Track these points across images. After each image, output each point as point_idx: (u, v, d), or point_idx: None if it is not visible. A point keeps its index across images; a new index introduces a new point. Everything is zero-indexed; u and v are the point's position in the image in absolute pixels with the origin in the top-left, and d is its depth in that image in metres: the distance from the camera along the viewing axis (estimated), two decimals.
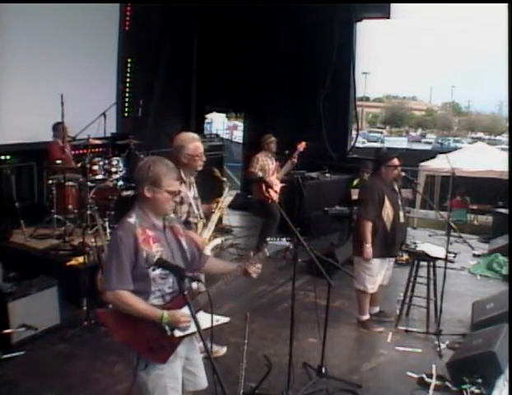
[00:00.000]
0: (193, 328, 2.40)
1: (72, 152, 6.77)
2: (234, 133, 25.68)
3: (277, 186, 6.82)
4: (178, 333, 2.40)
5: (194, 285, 2.53)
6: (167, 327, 2.38)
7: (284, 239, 2.79)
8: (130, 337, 2.41)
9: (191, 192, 3.66)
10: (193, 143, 3.50)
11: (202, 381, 2.66)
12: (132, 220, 2.44)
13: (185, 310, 2.37)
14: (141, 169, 2.52)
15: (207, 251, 3.64)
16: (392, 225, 4.60)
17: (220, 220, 7.34)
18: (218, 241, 3.79)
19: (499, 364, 3.57)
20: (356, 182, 7.79)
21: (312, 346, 4.29)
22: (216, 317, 2.38)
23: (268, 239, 2.78)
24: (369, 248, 4.51)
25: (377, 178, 4.72)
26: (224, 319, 2.51)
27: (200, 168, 3.61)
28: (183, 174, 3.52)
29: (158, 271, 2.40)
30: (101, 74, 8.19)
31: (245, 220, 9.07)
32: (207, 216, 3.80)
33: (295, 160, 6.82)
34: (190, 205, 3.62)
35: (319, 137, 9.67)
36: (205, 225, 3.73)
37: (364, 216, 4.55)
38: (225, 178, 4.18)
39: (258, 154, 6.91)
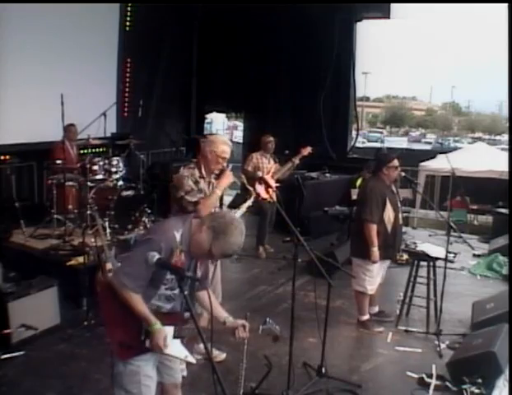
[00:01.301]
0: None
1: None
2: (234, 133, 25.67)
3: (273, 187, 6.82)
4: (148, 344, 2.41)
5: (187, 314, 2.52)
6: (143, 332, 2.38)
7: (278, 327, 3.01)
8: (109, 321, 2.46)
9: (209, 190, 3.72)
10: (223, 146, 3.66)
11: (178, 376, 2.74)
12: (178, 236, 2.37)
13: (170, 330, 2.41)
14: (221, 215, 2.48)
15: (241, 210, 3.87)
16: (392, 227, 4.60)
17: None
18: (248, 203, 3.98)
19: (499, 364, 3.57)
20: (359, 182, 7.77)
21: (312, 346, 4.30)
22: (185, 353, 2.44)
23: (268, 319, 2.99)
24: (376, 251, 4.51)
25: (377, 179, 4.70)
26: (191, 359, 2.52)
27: (217, 171, 3.73)
28: (203, 170, 3.67)
29: (169, 292, 2.42)
30: (101, 74, 8.19)
31: (245, 220, 9.03)
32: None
33: (296, 162, 6.83)
34: None
35: (319, 136, 9.67)
36: None
37: (369, 219, 4.51)
38: (251, 189, 4.25)
39: (253, 153, 7.00)
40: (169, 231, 2.38)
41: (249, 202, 4.23)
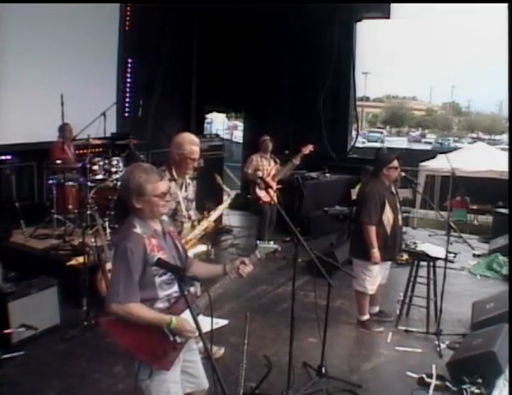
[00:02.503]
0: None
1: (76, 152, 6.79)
2: (234, 133, 25.66)
3: (273, 188, 6.82)
4: (179, 339, 2.41)
5: (192, 289, 2.53)
6: (169, 333, 2.38)
7: (272, 242, 2.84)
8: (134, 346, 2.40)
9: (182, 192, 3.62)
10: (190, 146, 3.45)
11: (204, 382, 2.67)
12: (137, 230, 2.39)
13: (187, 314, 2.37)
14: (123, 182, 2.51)
15: (189, 254, 3.65)
16: (392, 228, 4.60)
17: (220, 220, 7.45)
18: (203, 248, 3.69)
19: (499, 364, 3.57)
20: (358, 186, 7.78)
21: (312, 346, 4.30)
22: (215, 320, 2.38)
23: (258, 242, 2.83)
24: (376, 252, 4.52)
25: (377, 180, 4.68)
26: (223, 322, 2.52)
27: (190, 172, 3.59)
28: (174, 172, 3.54)
29: (165, 277, 2.40)
30: (101, 74, 8.18)
31: (245, 220, 9.07)
32: (199, 220, 3.76)
33: (297, 162, 6.81)
34: (179, 203, 3.59)
35: (319, 137, 9.67)
36: (193, 227, 3.69)
37: (367, 221, 4.51)
38: (228, 189, 4.19)
39: (253, 155, 6.99)
40: (130, 233, 2.39)
41: (226, 204, 4.17)
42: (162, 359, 2.39)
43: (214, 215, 3.88)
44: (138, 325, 2.34)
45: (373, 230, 4.51)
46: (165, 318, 2.36)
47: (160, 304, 2.42)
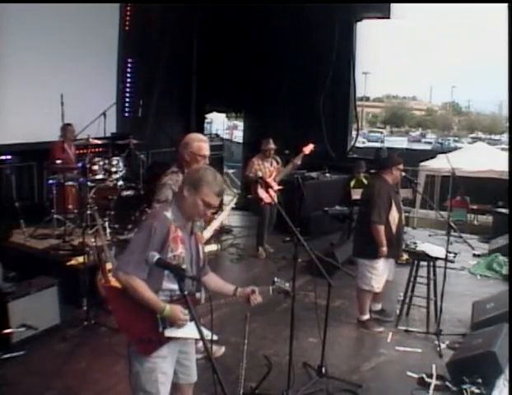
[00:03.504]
0: (183, 333, 2.46)
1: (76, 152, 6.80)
2: (234, 133, 25.67)
3: (274, 188, 6.83)
4: (167, 333, 2.44)
5: (198, 294, 2.55)
6: (160, 323, 2.42)
7: (288, 284, 2.95)
8: (124, 322, 2.47)
9: None
10: (198, 143, 3.46)
11: (194, 375, 2.74)
12: (168, 214, 2.46)
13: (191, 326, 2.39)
14: (191, 170, 2.63)
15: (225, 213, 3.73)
16: (397, 227, 4.63)
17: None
18: (214, 247, 3.75)
19: (499, 364, 3.57)
20: (353, 183, 7.81)
21: (312, 346, 4.30)
22: (206, 332, 2.41)
23: (276, 279, 2.90)
24: (385, 251, 4.56)
25: (383, 179, 4.71)
26: (213, 336, 2.51)
27: None
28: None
29: None
30: (101, 74, 8.18)
31: (245, 220, 9.07)
32: (209, 220, 3.78)
33: (298, 163, 6.79)
34: None
35: (319, 136, 9.67)
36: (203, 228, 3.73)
37: (377, 221, 4.53)
38: (233, 189, 4.23)
39: (254, 157, 6.97)
40: (160, 213, 2.48)
41: (232, 204, 4.19)
42: (145, 344, 2.43)
43: (221, 215, 3.89)
44: (134, 304, 2.38)
45: (382, 229, 4.54)
46: (160, 303, 2.40)
47: (161, 296, 2.45)
